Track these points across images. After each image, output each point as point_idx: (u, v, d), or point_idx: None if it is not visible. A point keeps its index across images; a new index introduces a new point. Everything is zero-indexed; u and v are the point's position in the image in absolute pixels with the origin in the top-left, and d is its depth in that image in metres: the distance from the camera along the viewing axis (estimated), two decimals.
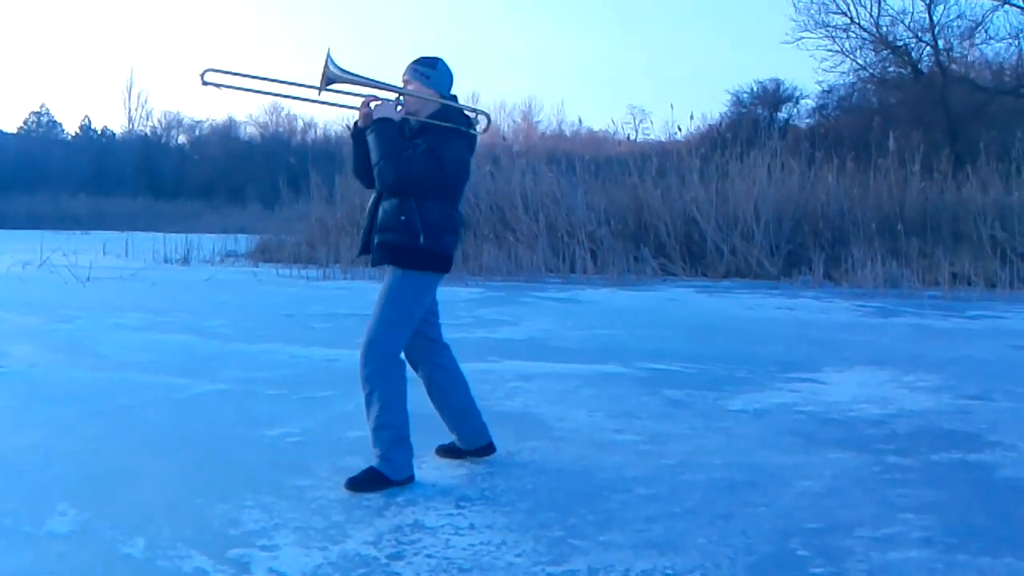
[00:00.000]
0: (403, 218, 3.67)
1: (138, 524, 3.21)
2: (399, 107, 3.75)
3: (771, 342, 8.06)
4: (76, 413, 5.01)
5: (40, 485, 3.69)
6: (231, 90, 3.82)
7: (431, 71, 3.79)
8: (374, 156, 3.67)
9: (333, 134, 49.64)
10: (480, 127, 3.93)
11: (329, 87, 3.70)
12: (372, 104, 3.72)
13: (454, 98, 3.84)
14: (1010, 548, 3.12)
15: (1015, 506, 3.64)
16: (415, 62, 3.81)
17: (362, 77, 3.75)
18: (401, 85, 3.80)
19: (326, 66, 3.65)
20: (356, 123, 3.78)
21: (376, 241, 3.76)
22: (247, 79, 3.79)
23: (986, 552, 3.08)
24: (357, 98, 3.76)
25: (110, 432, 4.62)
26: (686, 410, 5.27)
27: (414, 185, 3.64)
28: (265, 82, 3.86)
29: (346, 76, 3.71)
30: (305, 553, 2.99)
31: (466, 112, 3.87)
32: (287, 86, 3.85)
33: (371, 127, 3.69)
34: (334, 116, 59.10)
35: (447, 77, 3.84)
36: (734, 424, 4.95)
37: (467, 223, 3.95)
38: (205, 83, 3.68)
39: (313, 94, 3.75)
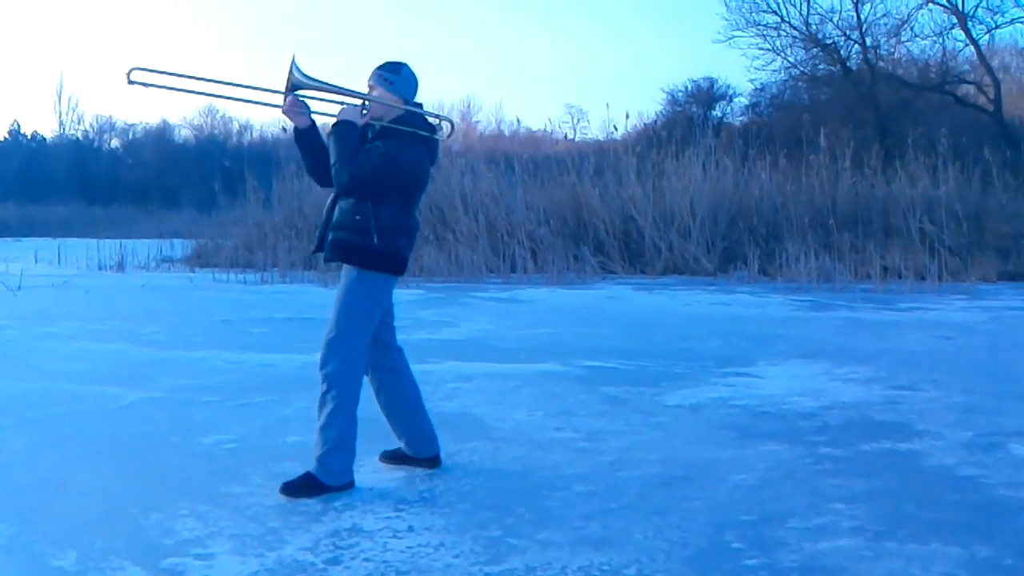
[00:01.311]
0: (358, 218, 3.69)
1: (70, 536, 3.17)
2: (364, 112, 3.75)
3: (707, 338, 8.18)
4: (7, 425, 4.90)
5: None
6: (162, 90, 3.77)
7: (395, 76, 3.80)
8: (332, 157, 3.69)
9: (269, 136, 49.14)
10: (443, 133, 3.95)
11: (295, 92, 3.69)
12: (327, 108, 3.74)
13: (419, 104, 3.87)
14: (936, 534, 3.22)
15: (941, 493, 3.75)
16: (379, 67, 3.82)
17: (327, 83, 3.76)
18: (366, 90, 3.80)
19: (291, 72, 3.65)
20: (296, 128, 3.78)
21: (330, 239, 3.79)
22: (177, 79, 3.75)
23: (913, 539, 3.17)
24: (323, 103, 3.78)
25: (42, 443, 4.53)
26: (624, 407, 5.33)
27: (368, 187, 3.66)
28: (197, 81, 3.82)
29: (311, 83, 3.71)
30: (241, 560, 2.97)
31: (429, 118, 3.89)
32: (221, 86, 3.82)
33: (332, 129, 3.72)
34: (270, 118, 58.30)
35: (412, 82, 3.86)
36: (670, 420, 5.02)
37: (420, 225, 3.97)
38: (131, 82, 3.62)
39: (242, 93, 3.75)
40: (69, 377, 6.28)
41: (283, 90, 3.69)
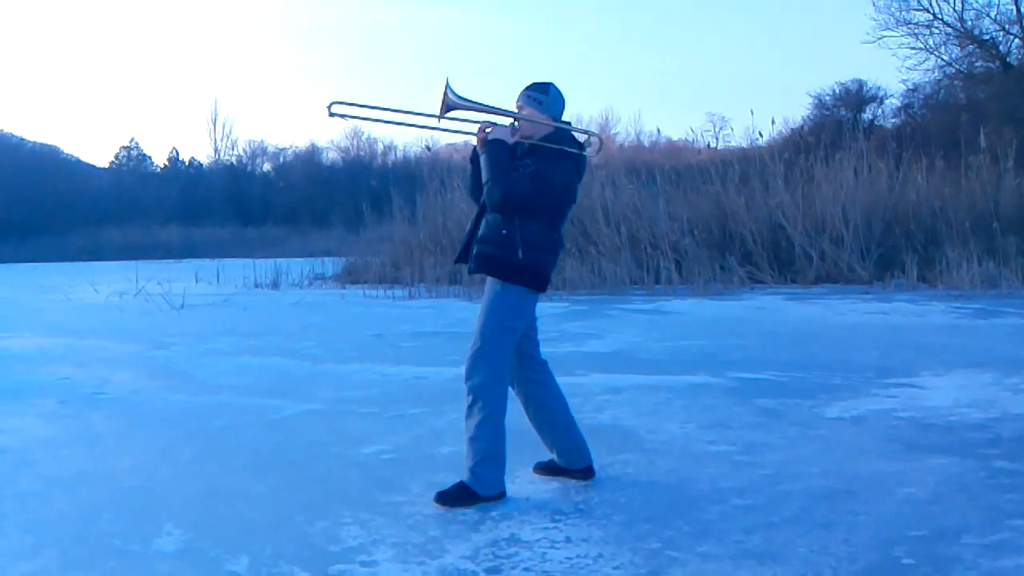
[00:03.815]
0: (504, 232, 3.74)
1: (241, 542, 3.28)
2: (514, 132, 3.82)
3: (865, 348, 7.87)
4: (176, 436, 5.15)
5: (145, 506, 3.79)
6: (354, 120, 3.99)
7: (543, 96, 3.87)
8: (484, 175, 3.76)
9: (413, 156, 50.36)
10: (592, 149, 3.98)
11: (447, 114, 3.79)
12: (487, 129, 3.80)
13: (567, 123, 3.91)
14: None
15: None
16: (528, 88, 3.89)
17: (479, 103, 3.85)
18: (515, 111, 3.87)
19: (445, 94, 3.75)
20: (475, 148, 3.88)
21: (475, 251, 3.84)
22: (368, 109, 3.92)
23: None
24: (475, 124, 3.86)
25: (209, 454, 4.73)
26: (780, 419, 5.18)
27: (519, 204, 3.72)
28: (385, 112, 3.98)
29: (464, 103, 3.80)
30: (404, 568, 3.01)
31: (577, 135, 3.92)
32: (406, 115, 3.97)
33: (484, 148, 3.78)
34: (413, 139, 59.85)
35: (559, 101, 3.91)
36: (830, 432, 4.85)
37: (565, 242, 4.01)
38: (332, 114, 3.84)
39: (432, 122, 3.85)
40: (232, 390, 6.56)
41: (438, 111, 3.78)
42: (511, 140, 3.82)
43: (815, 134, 19.56)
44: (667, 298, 13.33)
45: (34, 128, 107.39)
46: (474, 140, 3.86)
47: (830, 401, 5.61)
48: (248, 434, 5.16)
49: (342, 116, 3.88)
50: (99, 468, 4.45)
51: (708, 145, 23.37)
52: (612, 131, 51.28)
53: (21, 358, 8.53)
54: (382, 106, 3.94)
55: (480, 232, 3.85)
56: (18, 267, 35.83)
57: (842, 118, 27.16)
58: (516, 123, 3.86)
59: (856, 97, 30.26)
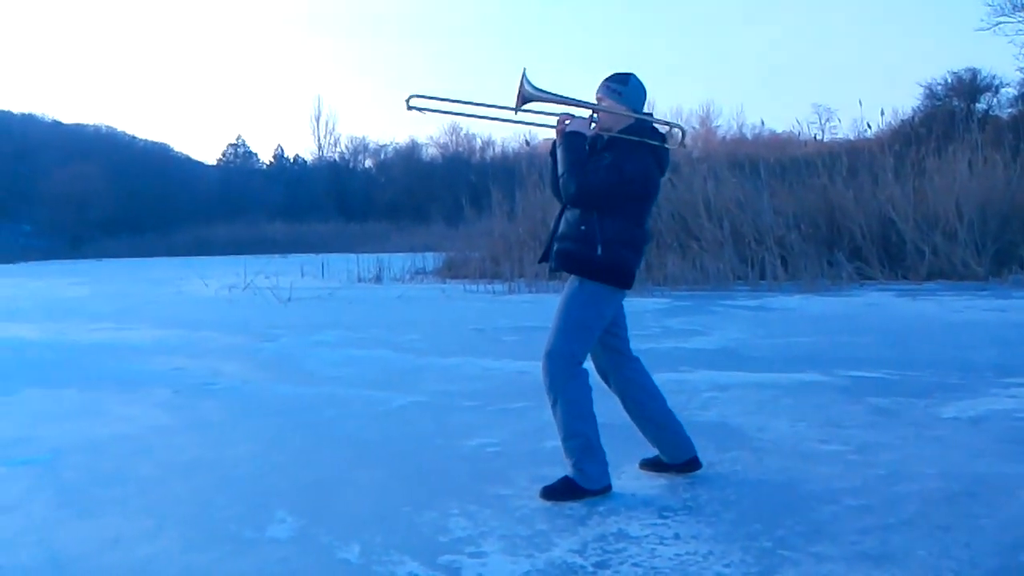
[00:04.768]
0: (583, 228, 3.68)
1: (351, 531, 3.34)
2: (593, 124, 3.76)
3: (983, 346, 7.57)
4: (286, 425, 5.27)
5: (258, 493, 3.88)
6: (433, 114, 3.97)
7: (623, 87, 3.78)
8: (560, 168, 3.70)
9: (511, 151, 50.50)
10: (675, 141, 3.87)
11: (524, 107, 3.75)
12: (566, 121, 3.76)
13: (648, 114, 3.82)
14: None
15: None
16: (607, 79, 3.81)
17: (556, 95, 3.79)
18: (595, 102, 3.80)
19: (521, 85, 3.70)
20: (554, 141, 3.82)
21: (555, 248, 3.80)
22: (447, 102, 3.93)
23: None
24: (553, 117, 3.81)
25: (318, 443, 4.83)
26: (894, 419, 5.02)
27: (595, 199, 3.64)
28: (463, 104, 3.98)
29: (541, 95, 3.75)
30: (512, 560, 3.02)
31: (659, 127, 3.83)
32: (484, 108, 3.95)
33: (561, 141, 3.73)
34: (511, 134, 60.17)
35: (640, 92, 3.81)
36: (948, 432, 4.67)
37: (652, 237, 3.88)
38: (410, 108, 3.84)
39: (510, 115, 3.80)
40: (338, 382, 6.68)
41: (514, 103, 3.74)
42: (589, 133, 3.75)
43: (926, 125, 18.93)
44: (772, 294, 13.06)
45: (145, 126, 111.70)
46: (553, 134, 3.80)
47: (946, 400, 5.41)
48: (356, 425, 5.25)
49: (420, 110, 3.86)
50: (213, 456, 4.58)
51: (814, 137, 22.74)
52: (714, 124, 50.56)
53: (137, 349, 8.86)
54: (461, 99, 3.91)
55: (560, 229, 3.80)
56: (131, 262, 37.25)
57: (955, 108, 26.22)
58: (595, 115, 3.79)
59: (969, 86, 29.18)
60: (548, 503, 3.59)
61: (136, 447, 4.79)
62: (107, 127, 62.66)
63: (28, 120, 59.26)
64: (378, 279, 19.35)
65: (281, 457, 4.54)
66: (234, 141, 66.17)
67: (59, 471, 4.32)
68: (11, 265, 36.13)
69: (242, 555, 3.14)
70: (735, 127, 49.93)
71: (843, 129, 37.42)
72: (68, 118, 74.53)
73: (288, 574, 2.96)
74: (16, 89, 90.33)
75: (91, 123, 63.50)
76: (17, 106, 77.53)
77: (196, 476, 4.19)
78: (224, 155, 65.36)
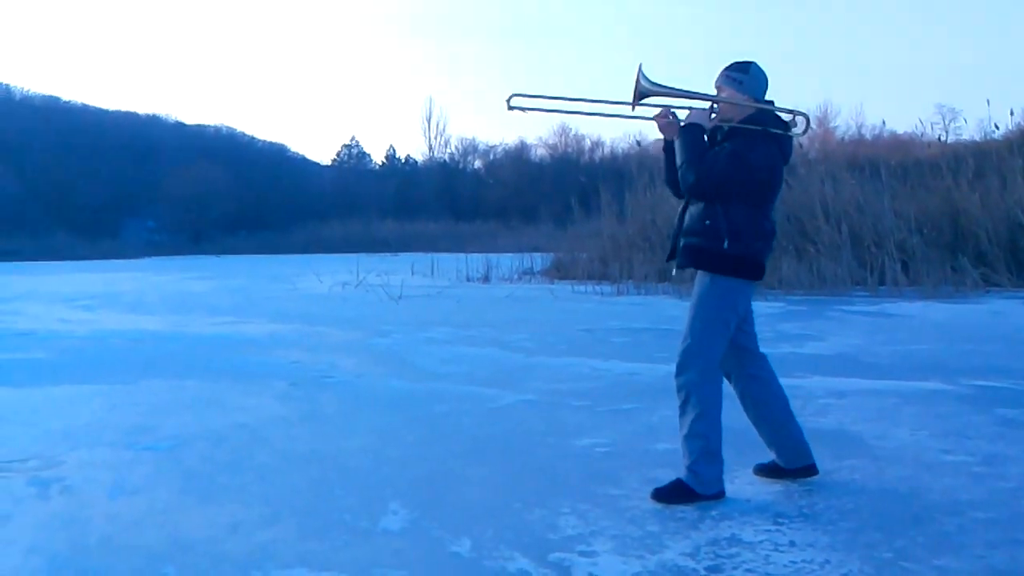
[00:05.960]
0: (708, 222, 3.61)
1: (462, 525, 3.36)
2: (712, 115, 3.70)
3: None
4: (399, 420, 5.35)
5: (372, 485, 3.95)
6: (536, 112, 3.94)
7: (743, 76, 3.70)
8: (678, 159, 3.65)
9: (620, 152, 50.27)
10: (798, 130, 3.77)
11: (642, 101, 3.71)
12: (679, 113, 3.71)
13: (770, 102, 3.73)
14: None
15: None
16: (727, 68, 3.73)
17: (674, 88, 3.73)
18: (714, 93, 3.74)
19: (638, 81, 3.66)
20: (665, 138, 3.78)
21: (681, 245, 3.74)
22: (551, 100, 3.90)
23: None
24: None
25: (431, 438, 4.88)
26: (1023, 430, 4.79)
27: (715, 188, 3.58)
28: (567, 101, 3.95)
29: (658, 89, 3.70)
30: (623, 560, 2.99)
31: (782, 116, 3.74)
32: (594, 103, 3.91)
33: (679, 133, 3.68)
34: (621, 134, 59.68)
35: (761, 80, 3.72)
36: None
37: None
38: (511, 107, 3.82)
39: (621, 110, 3.76)
40: (449, 378, 6.74)
41: (631, 99, 3.69)
42: (708, 124, 3.68)
43: None
44: (892, 300, 12.63)
45: (264, 127, 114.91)
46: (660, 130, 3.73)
47: None
48: (467, 421, 5.29)
49: (522, 109, 3.84)
50: (328, 447, 4.68)
51: (938, 138, 21.83)
52: (832, 124, 49.24)
53: (255, 342, 9.12)
54: (565, 96, 3.90)
55: (684, 224, 3.74)
56: (249, 258, 38.39)
57: None
58: (715, 106, 3.71)
59: None
60: (659, 505, 3.55)
61: (254, 437, 4.93)
62: (227, 128, 64.97)
63: (153, 121, 61.80)
64: (486, 278, 19.48)
65: (394, 450, 4.61)
66: (348, 142, 67.68)
67: (181, 458, 4.47)
68: (136, 260, 37.75)
69: (357, 545, 3.20)
70: (854, 127, 48.53)
71: (969, 130, 36.00)
72: (191, 119, 77.21)
73: (401, 565, 2.99)
74: (142, 91, 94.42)
75: (212, 124, 65.83)
76: (143, 108, 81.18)
77: (312, 466, 4.28)
78: (338, 155, 66.88)
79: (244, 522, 3.46)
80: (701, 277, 3.70)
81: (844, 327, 9.68)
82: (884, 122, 65.88)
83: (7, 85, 57.91)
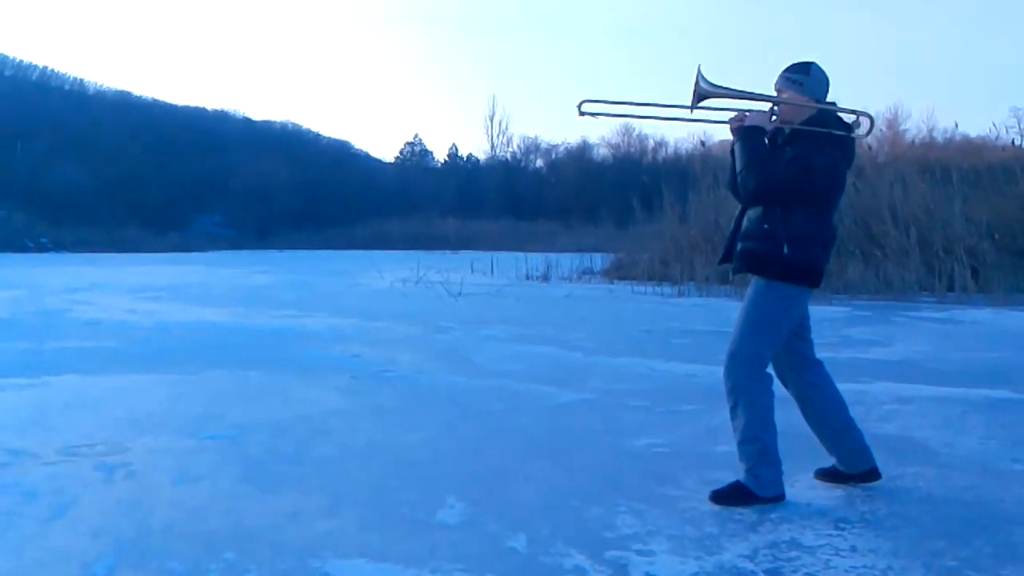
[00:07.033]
0: (766, 226, 3.56)
1: (519, 521, 3.37)
2: (773, 117, 3.65)
3: None
4: (458, 415, 5.38)
5: (431, 479, 3.97)
6: (605, 118, 3.96)
7: (804, 77, 3.63)
8: (739, 164, 3.60)
9: (684, 152, 49.85)
10: (861, 131, 3.70)
11: (700, 104, 3.67)
12: (747, 115, 3.66)
13: (831, 102, 3.66)
14: None
15: None
16: (786, 70, 3.67)
17: (734, 90, 3.69)
18: (774, 95, 3.69)
19: (697, 83, 3.62)
20: (733, 140, 3.74)
21: (738, 249, 3.69)
22: (619, 105, 3.90)
23: None
24: (730, 113, 3.72)
25: (489, 434, 4.90)
26: None
27: (776, 193, 3.52)
28: (635, 106, 3.94)
29: (718, 90, 3.66)
30: (681, 561, 2.97)
31: (844, 117, 3.68)
32: (657, 108, 3.90)
33: (739, 135, 3.63)
34: (684, 134, 59.28)
35: (822, 82, 3.65)
36: None
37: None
38: (582, 113, 3.83)
39: (685, 113, 3.73)
40: (507, 375, 6.76)
41: (690, 101, 3.65)
42: (769, 126, 3.63)
43: None
44: (961, 307, 12.35)
45: (328, 124, 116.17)
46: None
47: None
48: (525, 418, 5.30)
49: (593, 115, 3.84)
50: (388, 440, 4.72)
51: (1012, 142, 21.29)
52: (902, 127, 48.21)
53: (318, 336, 9.23)
54: (631, 101, 3.88)
55: (742, 228, 3.68)
56: (312, 253, 38.90)
57: None
58: (775, 108, 3.66)
59: None
60: (718, 507, 3.52)
61: (316, 428, 4.99)
62: (293, 124, 65.87)
63: (221, 117, 62.94)
64: (546, 278, 19.48)
65: (452, 445, 4.64)
66: (411, 139, 68.18)
67: (243, 447, 4.55)
68: (203, 253, 38.48)
69: (414, 537, 3.22)
70: (925, 131, 47.41)
71: None
72: (257, 115, 78.61)
73: (458, 559, 3.01)
74: (211, 87, 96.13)
75: (278, 120, 66.69)
76: (211, 103, 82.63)
77: (372, 459, 4.32)
78: (401, 153, 67.41)
79: (304, 511, 3.50)
80: (756, 281, 3.65)
81: (911, 333, 9.49)
82: (956, 125, 64.29)
83: (81, 79, 59.62)
